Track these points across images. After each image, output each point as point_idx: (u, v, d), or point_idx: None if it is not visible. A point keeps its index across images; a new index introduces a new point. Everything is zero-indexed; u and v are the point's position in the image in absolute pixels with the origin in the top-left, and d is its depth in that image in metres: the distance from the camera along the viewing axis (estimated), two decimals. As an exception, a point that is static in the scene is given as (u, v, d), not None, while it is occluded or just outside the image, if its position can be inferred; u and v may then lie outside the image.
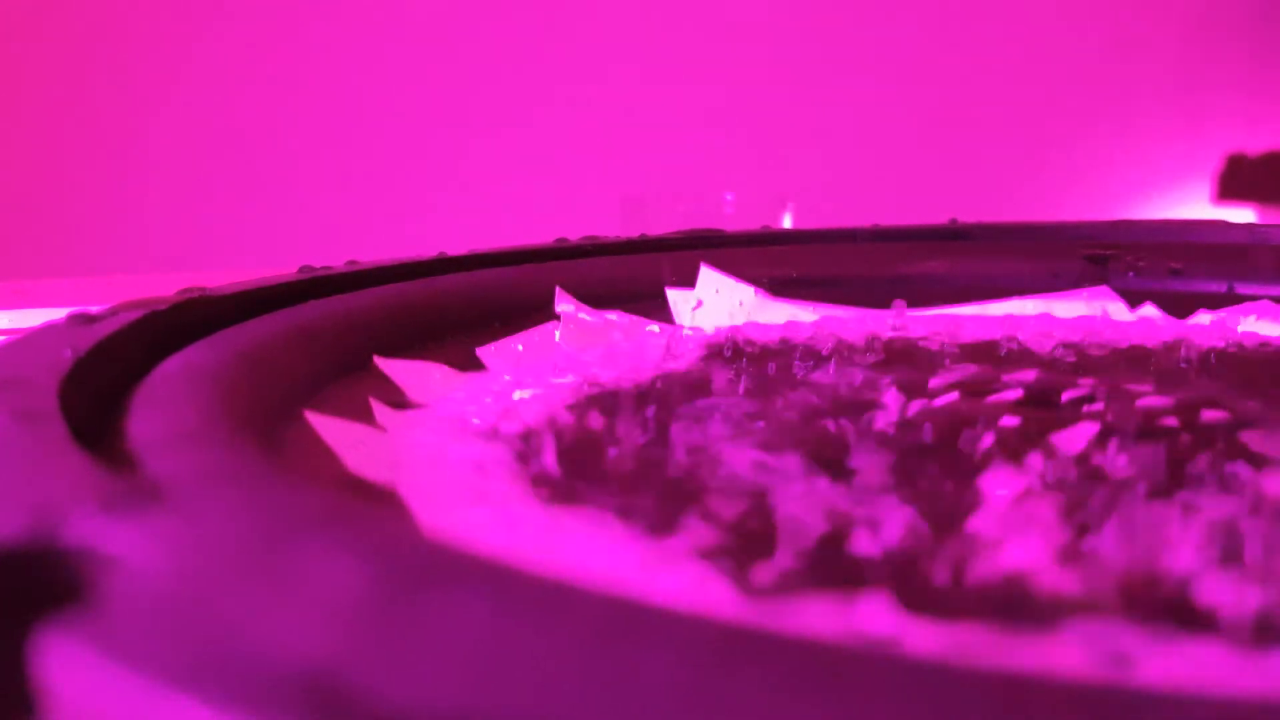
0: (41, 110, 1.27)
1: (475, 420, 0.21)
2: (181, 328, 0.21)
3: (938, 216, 0.39)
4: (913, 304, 0.32)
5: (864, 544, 0.15)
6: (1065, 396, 0.23)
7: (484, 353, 0.26)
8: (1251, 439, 0.19)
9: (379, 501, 0.16)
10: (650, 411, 0.22)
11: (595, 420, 0.21)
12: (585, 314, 0.29)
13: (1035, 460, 0.18)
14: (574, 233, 0.36)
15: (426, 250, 0.31)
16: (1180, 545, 0.14)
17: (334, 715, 0.08)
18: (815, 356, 0.27)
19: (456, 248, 0.32)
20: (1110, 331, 0.30)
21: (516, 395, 0.23)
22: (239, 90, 1.28)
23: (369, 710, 0.08)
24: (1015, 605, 0.13)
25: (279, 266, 0.28)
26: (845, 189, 1.24)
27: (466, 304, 0.28)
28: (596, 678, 0.08)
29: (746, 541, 0.15)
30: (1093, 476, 0.17)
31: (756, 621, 0.09)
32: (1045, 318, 0.31)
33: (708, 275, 0.32)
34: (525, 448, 0.19)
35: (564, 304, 0.29)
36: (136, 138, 1.27)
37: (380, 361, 0.23)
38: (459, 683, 0.08)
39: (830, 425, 0.21)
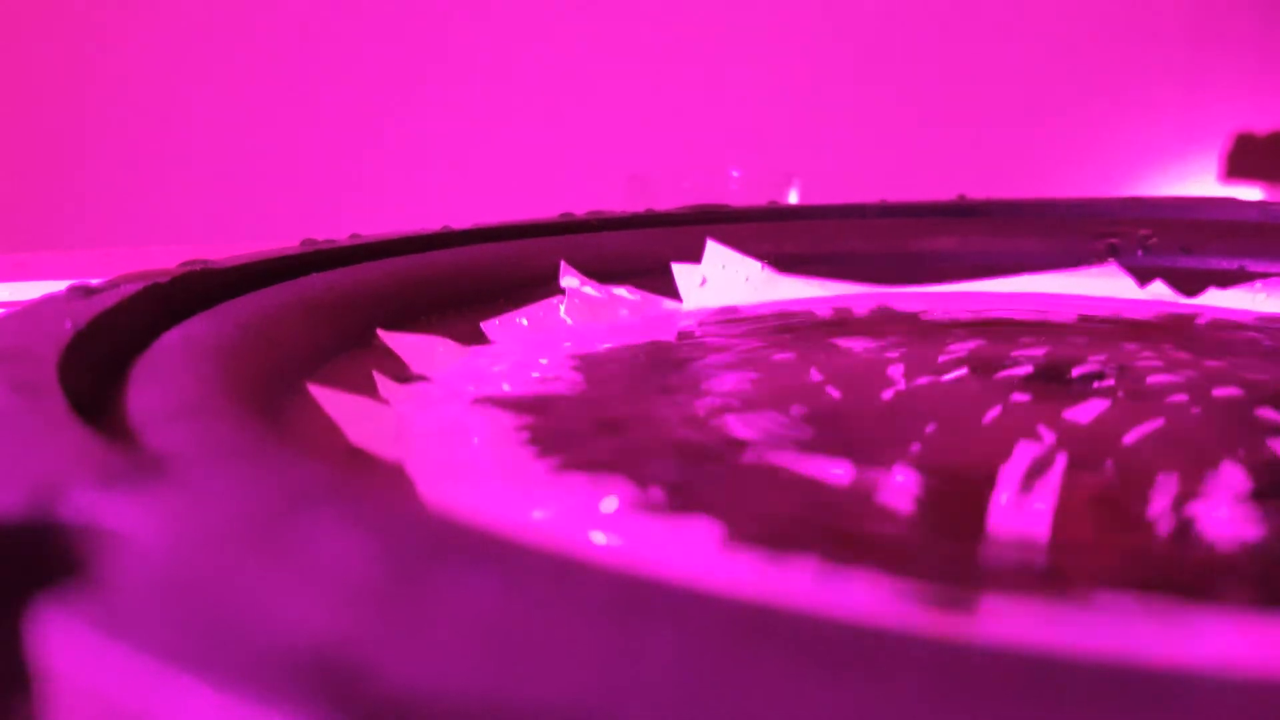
0: (42, 83, 1.26)
1: (479, 393, 0.21)
2: (183, 300, 0.21)
3: (946, 193, 0.39)
4: (921, 280, 0.32)
5: (869, 518, 0.15)
6: (1075, 373, 0.22)
7: (488, 327, 0.26)
8: (1264, 414, 0.19)
9: (383, 475, 0.16)
10: (654, 385, 0.22)
11: (598, 394, 0.21)
12: (590, 288, 0.29)
13: (1045, 435, 0.18)
14: (580, 208, 0.36)
15: (431, 224, 0.31)
16: (1189, 519, 0.14)
17: (340, 693, 0.08)
18: (821, 332, 0.27)
19: (461, 221, 0.32)
20: (1120, 308, 0.29)
21: (520, 369, 0.23)
22: (242, 61, 1.27)
23: (376, 688, 0.08)
24: (1023, 582, 0.13)
25: (282, 239, 0.28)
26: (853, 165, 1.24)
27: (471, 278, 0.27)
28: (608, 655, 0.08)
29: (752, 515, 0.15)
30: (1102, 452, 0.17)
31: (766, 597, 0.09)
32: (1054, 294, 0.31)
33: (714, 250, 0.32)
34: (529, 421, 0.19)
35: (569, 278, 0.29)
36: (138, 110, 1.27)
37: (384, 335, 0.23)
38: (468, 660, 0.08)
39: (836, 400, 0.20)
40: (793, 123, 1.31)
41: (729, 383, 0.22)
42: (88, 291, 0.19)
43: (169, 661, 0.08)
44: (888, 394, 0.21)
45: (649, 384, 0.22)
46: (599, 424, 0.20)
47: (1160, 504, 0.15)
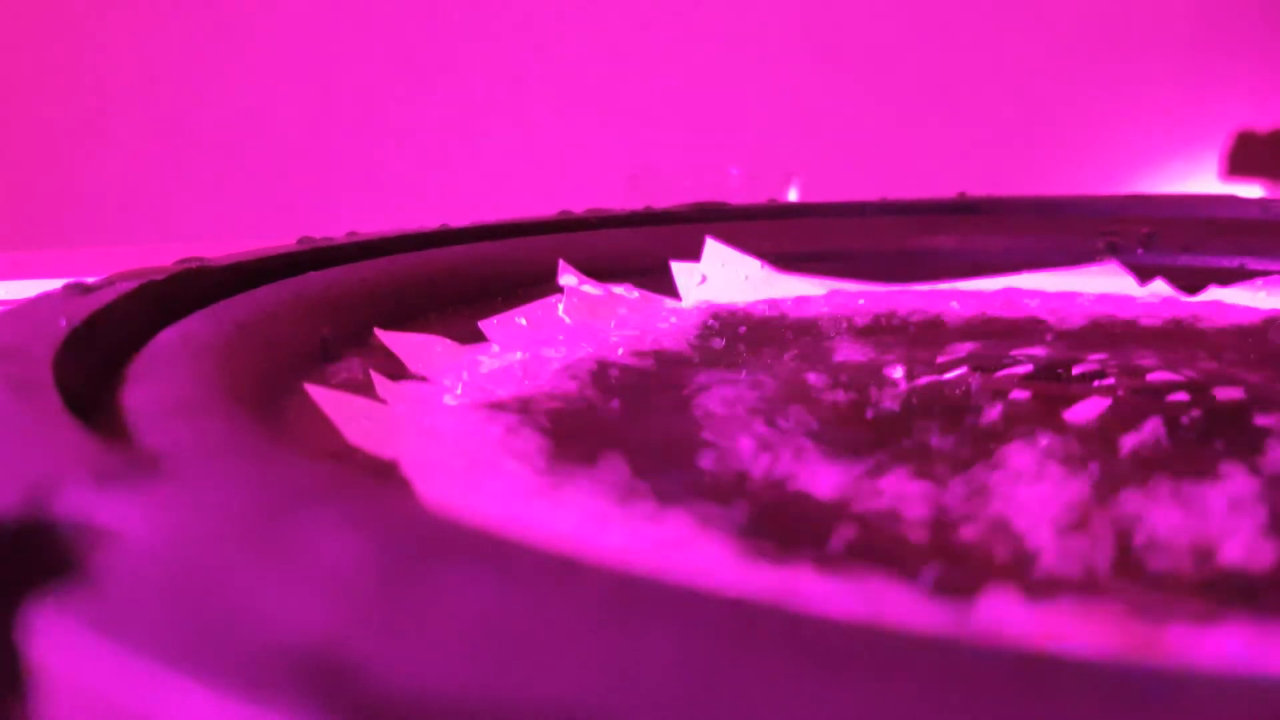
0: (38, 81, 1.26)
1: (476, 393, 0.21)
2: (179, 298, 0.21)
3: (946, 190, 0.39)
4: (921, 278, 0.32)
5: (869, 518, 0.15)
6: (1075, 371, 0.22)
7: (486, 325, 0.26)
8: (1263, 414, 0.19)
9: (379, 475, 0.16)
10: (653, 384, 0.22)
11: (597, 393, 0.21)
12: (588, 287, 0.29)
13: (1044, 434, 0.18)
14: (578, 206, 0.36)
15: (429, 222, 0.31)
16: (1190, 519, 0.14)
17: (335, 693, 0.08)
18: (821, 330, 0.27)
19: (459, 219, 0.32)
20: (1120, 307, 0.29)
21: (518, 368, 0.23)
22: (239, 59, 1.27)
23: (371, 688, 0.08)
24: (1025, 581, 0.13)
25: (278, 237, 0.28)
26: (852, 162, 1.24)
27: (468, 276, 0.27)
28: (603, 654, 0.08)
29: (750, 515, 0.15)
30: (1102, 451, 0.17)
31: (764, 597, 0.09)
32: (1054, 292, 0.31)
33: (713, 248, 0.32)
34: (527, 420, 0.19)
35: (567, 277, 0.29)
36: (134, 108, 1.27)
37: (381, 334, 0.23)
38: (463, 659, 0.08)
39: (836, 399, 0.20)
40: (792, 120, 1.30)
41: (727, 383, 0.22)
42: (83, 289, 0.19)
43: (164, 660, 0.08)
44: (887, 394, 0.21)
45: (647, 385, 0.22)
46: (596, 425, 0.20)
47: (1159, 503, 0.15)
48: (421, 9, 1.28)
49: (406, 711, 0.07)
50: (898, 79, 1.31)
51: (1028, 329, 0.27)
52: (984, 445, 0.17)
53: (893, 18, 1.31)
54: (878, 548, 0.14)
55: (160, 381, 0.15)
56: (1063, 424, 0.19)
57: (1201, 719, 0.07)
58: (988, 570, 0.13)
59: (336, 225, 0.32)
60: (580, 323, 0.27)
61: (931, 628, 0.11)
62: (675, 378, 0.22)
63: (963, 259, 0.33)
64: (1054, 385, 0.21)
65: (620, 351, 0.25)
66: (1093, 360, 0.23)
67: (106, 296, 0.19)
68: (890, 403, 0.20)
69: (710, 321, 0.28)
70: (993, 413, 0.19)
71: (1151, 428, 0.18)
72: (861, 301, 0.30)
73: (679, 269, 0.31)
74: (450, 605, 0.08)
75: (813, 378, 0.22)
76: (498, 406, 0.20)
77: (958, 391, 0.21)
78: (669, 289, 0.31)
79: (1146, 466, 0.16)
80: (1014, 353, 0.24)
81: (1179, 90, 1.35)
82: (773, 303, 0.30)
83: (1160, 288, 0.31)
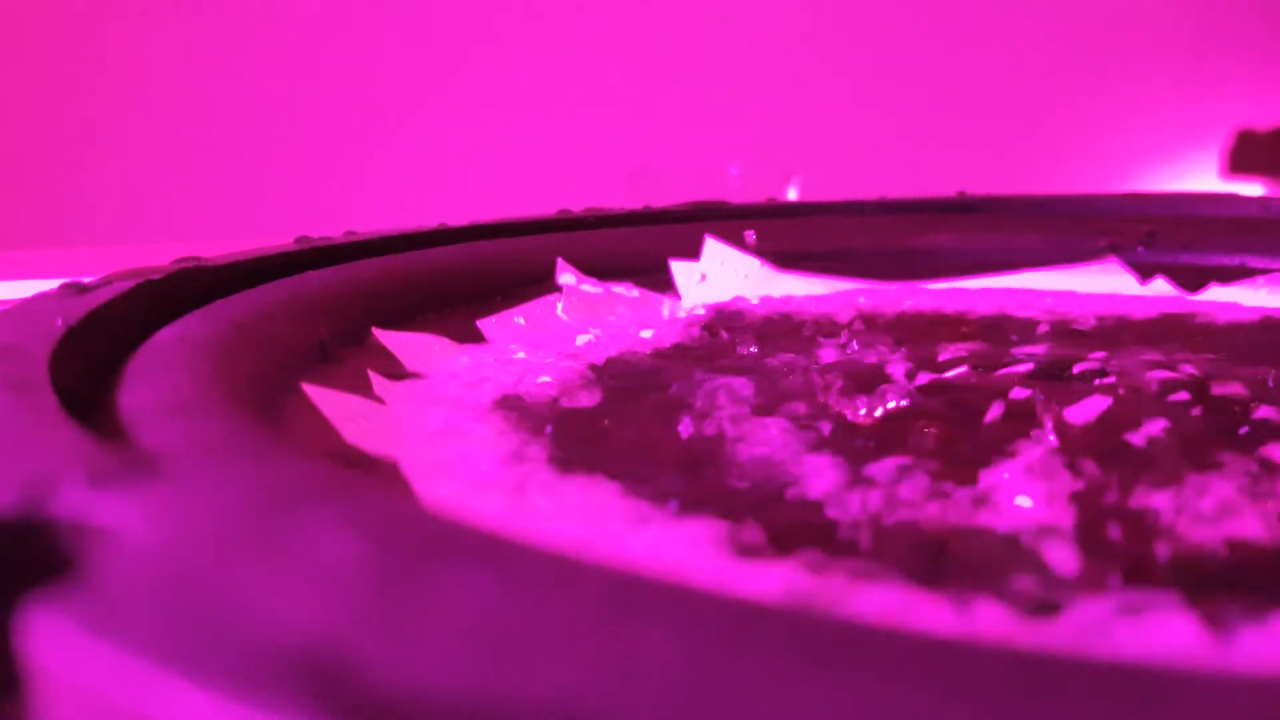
0: (36, 80, 1.26)
1: (474, 392, 0.21)
2: (177, 298, 0.20)
3: (946, 189, 0.39)
4: (921, 277, 0.32)
5: (868, 516, 0.14)
6: (1076, 370, 0.22)
7: (484, 325, 0.26)
8: (1263, 411, 0.19)
9: (377, 474, 0.16)
10: (651, 383, 0.22)
11: (596, 392, 0.21)
12: (587, 286, 0.29)
13: (1045, 433, 0.18)
14: (578, 204, 0.36)
15: (427, 220, 0.31)
16: (1190, 516, 0.14)
17: (333, 694, 0.08)
18: (821, 329, 0.27)
19: (458, 218, 0.32)
20: (1121, 305, 0.29)
21: (516, 368, 0.23)
22: (237, 57, 1.27)
23: (369, 688, 0.08)
24: (1025, 579, 0.13)
25: (276, 236, 0.28)
26: (852, 161, 1.24)
27: (467, 275, 0.27)
28: (602, 654, 0.08)
29: (751, 513, 0.15)
30: (1103, 449, 0.17)
31: (763, 596, 0.09)
32: (1055, 291, 0.31)
33: (713, 247, 0.32)
34: (525, 420, 0.19)
35: (566, 276, 0.29)
36: (132, 107, 1.27)
37: (379, 333, 0.23)
38: (461, 659, 0.08)
39: (836, 398, 0.20)
40: (792, 119, 1.30)
41: (725, 381, 0.22)
42: (80, 289, 0.19)
43: (161, 660, 0.08)
44: (888, 393, 0.21)
45: (645, 383, 0.22)
46: (595, 424, 0.20)
47: (1159, 502, 0.15)
48: (421, 8, 1.28)
49: (406, 711, 0.07)
50: (897, 78, 1.31)
51: (1028, 327, 0.27)
52: (985, 444, 0.17)
53: (892, 17, 1.31)
54: (877, 545, 0.14)
55: (157, 381, 0.15)
56: (1063, 423, 0.19)
57: (1201, 719, 0.07)
58: (988, 568, 0.13)
59: (334, 225, 0.32)
60: (579, 322, 0.27)
61: (932, 627, 0.10)
62: (674, 376, 0.22)
63: (963, 258, 0.33)
64: (1055, 384, 0.21)
65: (618, 350, 0.25)
66: (1093, 359, 0.23)
67: (103, 296, 0.19)
68: (891, 401, 0.20)
69: (709, 320, 0.28)
70: (994, 411, 0.19)
71: (1152, 426, 0.18)
72: (862, 300, 0.30)
73: (678, 268, 0.31)
74: (450, 605, 0.08)
75: (813, 376, 0.22)
76: (496, 406, 0.20)
77: (958, 390, 0.21)
78: (668, 288, 0.31)
79: (1147, 464, 0.16)
80: (1015, 351, 0.24)
81: (1179, 90, 1.35)
82: (771, 301, 0.30)
83: (1161, 286, 0.31)
